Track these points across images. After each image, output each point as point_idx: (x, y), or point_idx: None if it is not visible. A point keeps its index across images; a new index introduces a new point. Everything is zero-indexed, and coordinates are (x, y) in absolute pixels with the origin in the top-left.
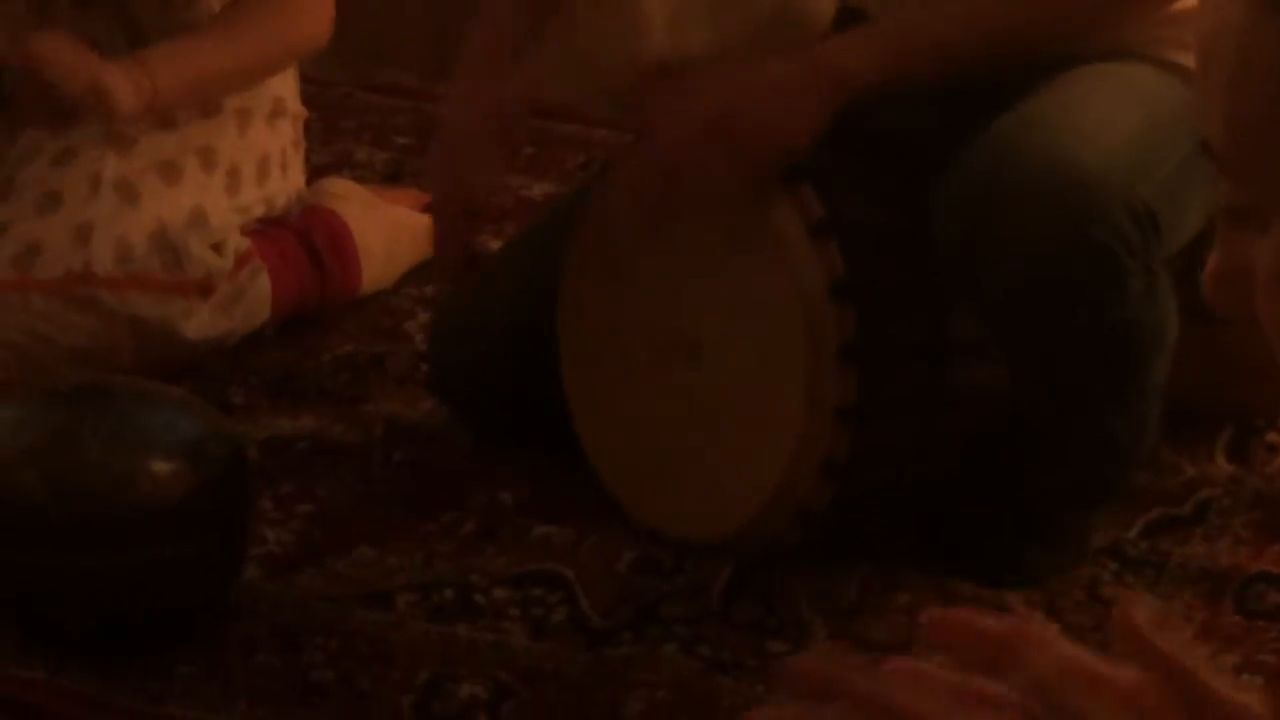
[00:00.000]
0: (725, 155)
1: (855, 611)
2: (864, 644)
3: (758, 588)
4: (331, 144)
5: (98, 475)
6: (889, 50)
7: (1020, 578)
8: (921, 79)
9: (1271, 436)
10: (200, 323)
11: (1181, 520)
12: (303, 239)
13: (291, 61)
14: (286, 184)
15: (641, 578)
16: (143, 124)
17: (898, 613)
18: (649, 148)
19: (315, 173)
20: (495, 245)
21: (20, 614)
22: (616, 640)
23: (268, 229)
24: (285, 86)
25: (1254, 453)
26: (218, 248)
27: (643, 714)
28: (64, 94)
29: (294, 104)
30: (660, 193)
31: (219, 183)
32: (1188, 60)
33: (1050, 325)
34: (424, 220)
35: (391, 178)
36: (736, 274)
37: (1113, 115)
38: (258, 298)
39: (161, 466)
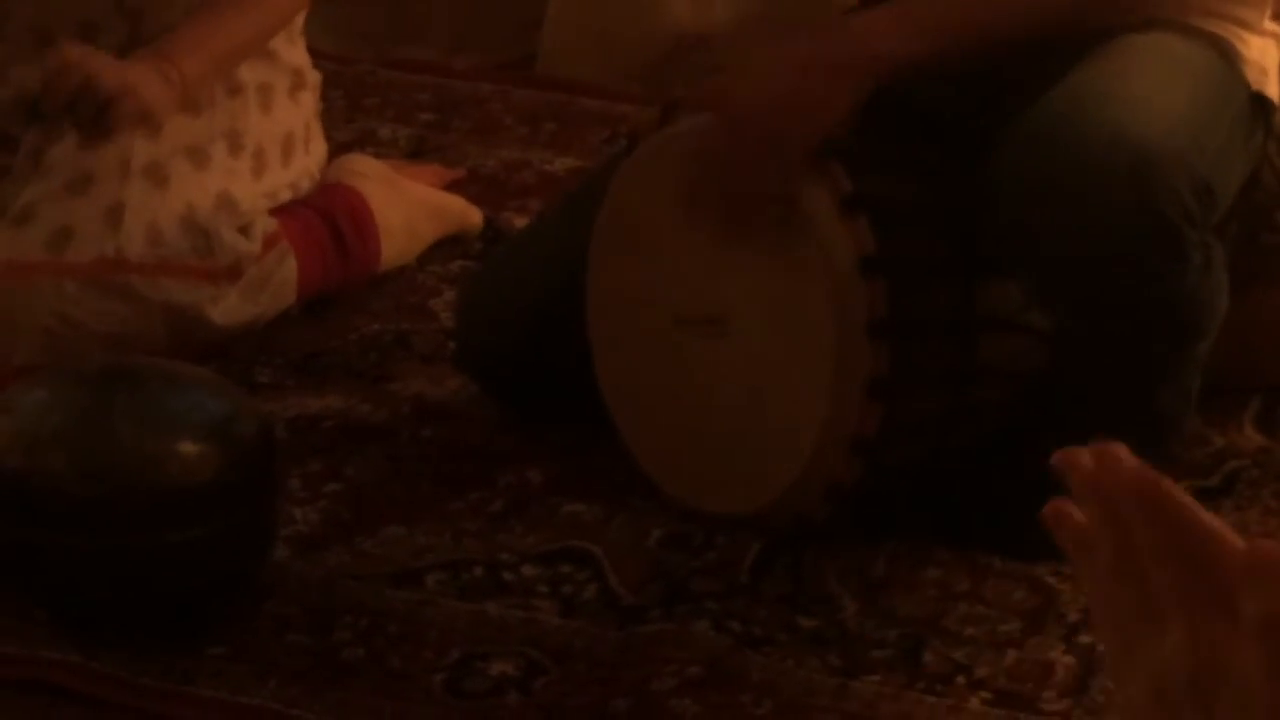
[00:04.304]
0: (762, 143)
1: (885, 586)
2: (893, 619)
3: (787, 563)
4: (354, 121)
5: (127, 456)
6: (924, 30)
7: (1051, 551)
8: (955, 58)
9: None
10: (228, 308)
11: (1210, 491)
12: (325, 218)
13: (297, 11)
14: (310, 160)
15: (671, 554)
16: None
17: (927, 587)
18: (685, 139)
19: (338, 150)
20: (520, 221)
21: (50, 595)
22: (646, 617)
23: (290, 208)
24: (300, 56)
25: None
26: (245, 230)
27: (673, 690)
28: (97, 93)
29: (311, 73)
30: (698, 181)
31: (246, 166)
32: (1217, 28)
33: (1113, 299)
34: (447, 197)
35: (415, 154)
36: (766, 249)
37: (1161, 88)
38: (285, 281)
39: (190, 447)
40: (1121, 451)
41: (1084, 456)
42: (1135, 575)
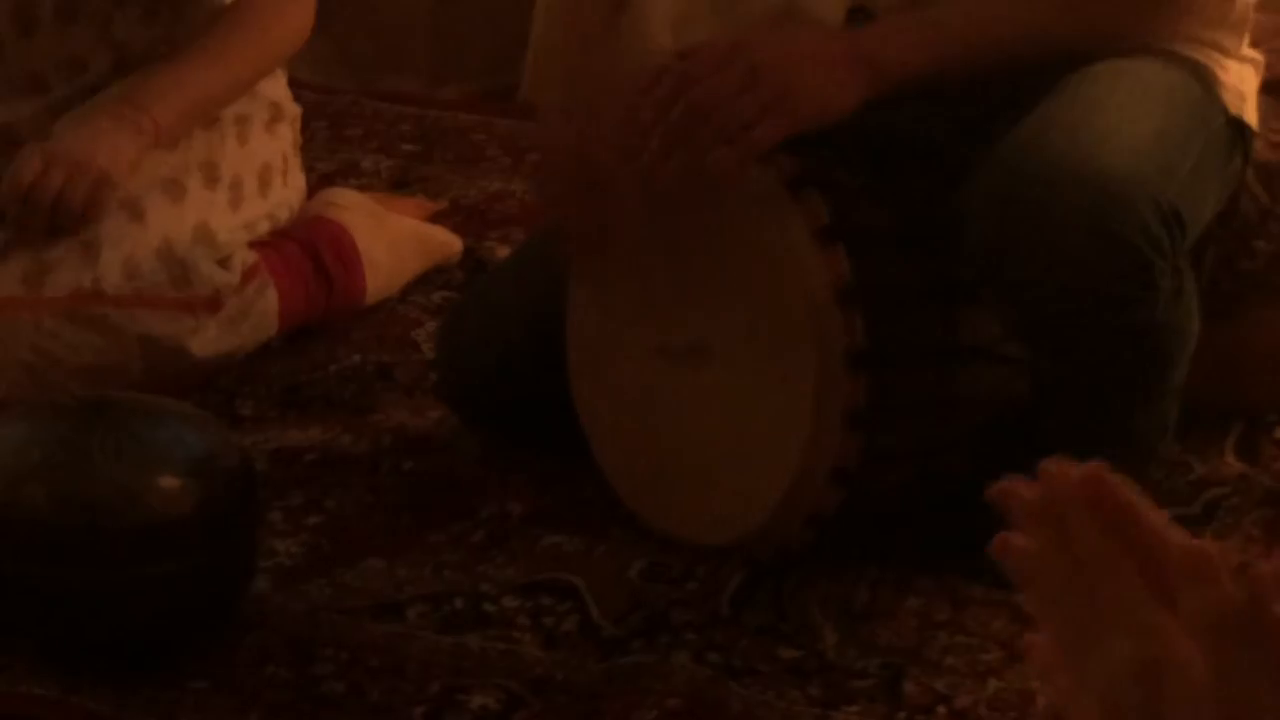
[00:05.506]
0: (758, 105)
1: (866, 616)
2: (874, 649)
3: (768, 593)
4: (337, 152)
5: (106, 490)
6: (929, 47)
7: None
8: (956, 76)
9: None
10: (207, 339)
11: (1191, 519)
12: (308, 250)
13: (280, 63)
14: (288, 191)
15: (651, 585)
16: None
17: (909, 616)
18: (685, 84)
19: (321, 181)
20: (503, 252)
21: (31, 630)
22: (627, 648)
23: (273, 241)
24: (279, 90)
25: (1263, 450)
26: (224, 262)
27: None
28: (74, 200)
29: (290, 106)
30: (689, 138)
31: (223, 198)
32: (1196, 54)
33: (1082, 327)
34: (430, 229)
35: (398, 185)
36: (744, 280)
37: (1134, 115)
38: (265, 313)
39: (170, 481)
40: (1065, 466)
41: (1021, 485)
42: (1084, 591)
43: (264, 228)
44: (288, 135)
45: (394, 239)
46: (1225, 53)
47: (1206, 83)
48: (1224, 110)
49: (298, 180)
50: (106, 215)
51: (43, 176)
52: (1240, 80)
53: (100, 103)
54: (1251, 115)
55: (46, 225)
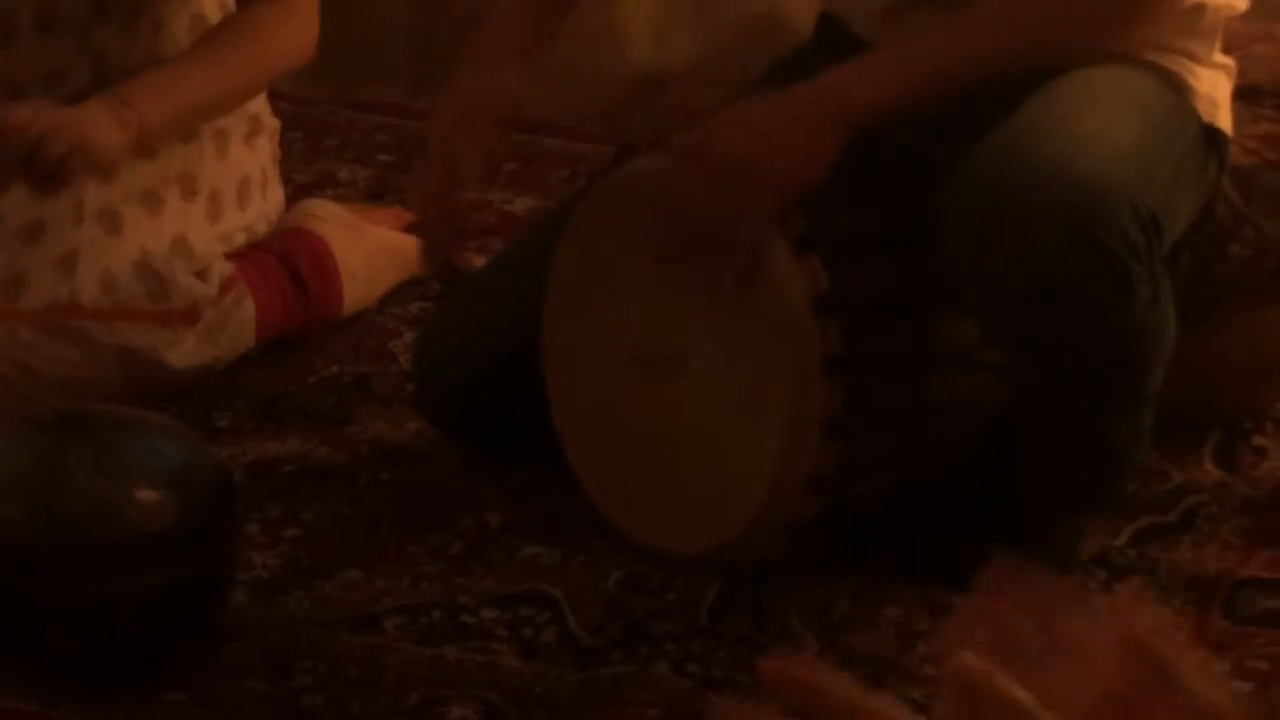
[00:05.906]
0: (740, 205)
1: (845, 624)
2: (854, 657)
3: (747, 603)
4: (314, 163)
5: (83, 503)
6: (895, 82)
7: None
8: (925, 105)
9: (1258, 441)
10: (185, 351)
11: (1170, 527)
12: (285, 262)
13: (274, 82)
14: (266, 205)
15: (630, 596)
16: None
17: (888, 625)
18: (644, 180)
19: (298, 192)
20: (480, 262)
21: (8, 644)
22: (606, 659)
23: (250, 253)
24: (258, 103)
25: (1241, 457)
26: (201, 274)
27: None
28: (50, 152)
29: (269, 119)
30: (666, 230)
31: (200, 210)
32: (1167, 62)
33: (1059, 332)
34: (407, 240)
35: (375, 196)
36: (721, 290)
37: (1110, 121)
38: (242, 324)
39: (147, 494)
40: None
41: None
42: None
43: (240, 240)
44: (266, 148)
45: (371, 250)
46: (1196, 60)
47: (1179, 91)
48: (1197, 118)
49: (276, 193)
50: (76, 179)
51: (26, 122)
52: (1213, 88)
53: (92, 98)
54: (1225, 122)
55: (18, 167)
